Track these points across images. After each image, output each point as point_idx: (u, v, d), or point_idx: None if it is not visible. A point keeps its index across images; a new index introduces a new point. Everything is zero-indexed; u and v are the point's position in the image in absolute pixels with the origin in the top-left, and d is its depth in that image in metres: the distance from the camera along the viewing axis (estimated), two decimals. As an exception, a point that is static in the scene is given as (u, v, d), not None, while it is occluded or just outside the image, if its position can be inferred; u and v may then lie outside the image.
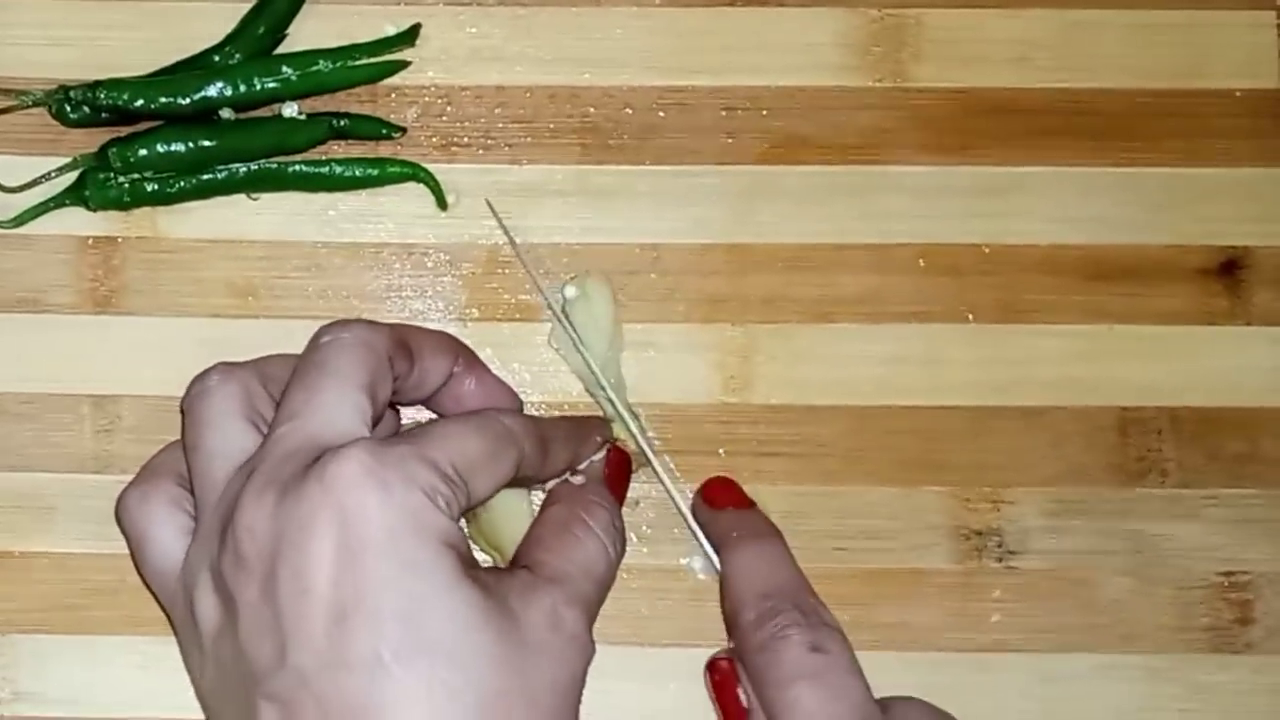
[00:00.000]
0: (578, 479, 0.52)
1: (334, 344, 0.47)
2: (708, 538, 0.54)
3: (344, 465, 0.42)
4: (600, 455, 0.54)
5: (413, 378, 0.49)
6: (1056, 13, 0.59)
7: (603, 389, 0.55)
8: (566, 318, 0.55)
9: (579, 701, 0.46)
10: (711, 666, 0.51)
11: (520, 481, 0.50)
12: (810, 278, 0.58)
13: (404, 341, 0.48)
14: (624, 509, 0.55)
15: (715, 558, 0.53)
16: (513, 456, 0.47)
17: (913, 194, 0.58)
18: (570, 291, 0.56)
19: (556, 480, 0.52)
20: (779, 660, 0.48)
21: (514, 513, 0.52)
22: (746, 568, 0.51)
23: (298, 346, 0.56)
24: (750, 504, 0.54)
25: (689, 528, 0.55)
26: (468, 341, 0.55)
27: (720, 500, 0.54)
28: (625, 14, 0.59)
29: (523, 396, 0.56)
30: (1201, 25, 0.59)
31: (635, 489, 0.56)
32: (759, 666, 0.48)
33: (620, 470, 0.54)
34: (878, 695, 0.49)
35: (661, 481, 0.55)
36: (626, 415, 0.55)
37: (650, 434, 0.56)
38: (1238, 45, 0.59)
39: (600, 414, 0.56)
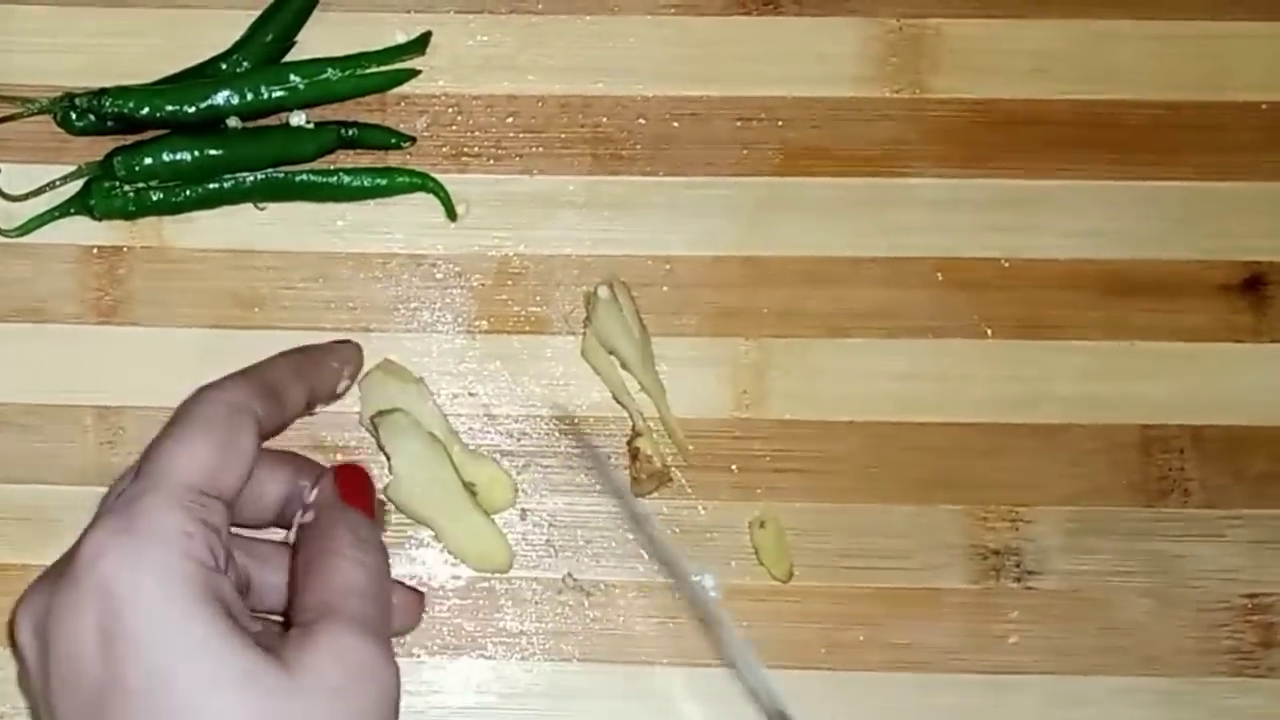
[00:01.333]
0: (307, 516, 0.48)
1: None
2: None
3: (93, 539, 0.42)
4: (327, 484, 0.49)
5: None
6: (1076, 24, 0.58)
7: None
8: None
9: None
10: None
11: (268, 435, 0.48)
12: (825, 291, 0.57)
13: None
14: (633, 524, 0.55)
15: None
16: (251, 429, 0.46)
17: (930, 207, 0.57)
18: (604, 293, 0.55)
19: (291, 532, 0.50)
20: None
21: (435, 478, 0.53)
22: None
23: (304, 359, 0.56)
24: None
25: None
26: (476, 353, 0.55)
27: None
28: (638, 23, 0.58)
29: (534, 410, 0.56)
30: (1224, 37, 0.58)
31: (646, 504, 0.55)
32: None
33: (353, 483, 0.50)
34: (887, 720, 0.48)
35: None
36: (667, 425, 0.55)
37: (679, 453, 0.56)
38: (1261, 57, 0.58)
39: (339, 341, 0.55)
